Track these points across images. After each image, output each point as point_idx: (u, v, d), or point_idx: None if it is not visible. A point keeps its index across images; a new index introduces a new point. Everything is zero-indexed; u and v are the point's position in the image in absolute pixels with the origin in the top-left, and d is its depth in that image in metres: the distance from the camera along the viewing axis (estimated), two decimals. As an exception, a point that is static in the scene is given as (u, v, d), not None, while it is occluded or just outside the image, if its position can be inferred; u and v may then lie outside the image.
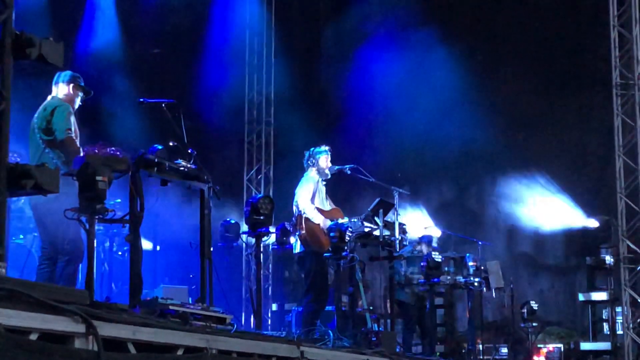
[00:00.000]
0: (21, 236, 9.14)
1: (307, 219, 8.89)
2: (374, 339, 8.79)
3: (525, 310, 12.98)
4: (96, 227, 5.89)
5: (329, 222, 8.74)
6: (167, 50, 16.06)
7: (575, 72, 16.14)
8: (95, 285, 6.03)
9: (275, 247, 13.02)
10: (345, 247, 8.55)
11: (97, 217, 5.75)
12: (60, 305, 4.07)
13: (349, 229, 8.60)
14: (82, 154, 6.02)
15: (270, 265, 15.56)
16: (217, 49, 15.97)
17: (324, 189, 9.26)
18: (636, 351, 12.74)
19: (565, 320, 15.69)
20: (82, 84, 7.17)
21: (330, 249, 8.59)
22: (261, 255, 8.09)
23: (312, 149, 9.34)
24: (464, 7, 16.57)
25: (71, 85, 7.08)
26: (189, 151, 6.75)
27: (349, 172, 9.38)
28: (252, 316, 9.12)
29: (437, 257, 10.45)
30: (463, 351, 12.61)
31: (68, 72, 7.09)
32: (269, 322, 13.16)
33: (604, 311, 14.35)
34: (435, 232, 12.49)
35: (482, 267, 11.77)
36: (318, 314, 8.89)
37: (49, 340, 3.96)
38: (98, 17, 14.85)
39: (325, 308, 9.25)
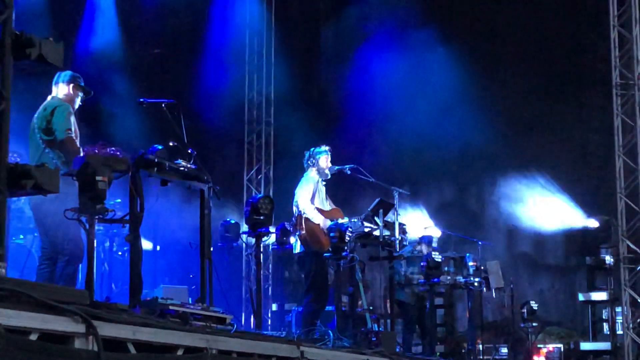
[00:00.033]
0: (21, 236, 9.14)
1: (307, 219, 8.89)
2: (374, 339, 8.79)
3: (525, 310, 12.98)
4: (96, 227, 5.89)
5: (329, 222, 8.74)
6: (167, 50, 16.07)
7: (575, 72, 16.14)
8: (95, 285, 6.04)
9: (275, 247, 13.03)
10: (345, 247, 8.55)
11: (97, 217, 5.76)
12: (60, 305, 4.07)
13: (349, 229, 8.60)
14: (82, 154, 6.02)
15: (270, 266, 15.56)
16: (217, 49, 15.97)
17: (324, 189, 9.26)
18: (636, 351, 12.74)
19: (565, 320, 15.69)
20: (82, 84, 7.17)
21: (330, 249, 8.59)
22: (261, 255, 8.10)
23: (312, 149, 9.34)
24: (464, 7, 16.56)
25: (71, 85, 7.08)
26: (189, 151, 6.75)
27: (349, 172, 9.38)
28: (252, 316, 9.12)
29: (437, 257, 10.46)
30: (463, 351, 12.61)
31: (68, 72, 7.09)
32: (269, 322, 13.15)
33: (604, 311, 14.35)
34: (435, 232, 12.48)
35: (482, 267, 11.78)
36: (318, 314, 8.89)
37: (49, 341, 3.95)
38: (98, 17, 14.86)
39: (325, 308, 9.25)
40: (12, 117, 4.50)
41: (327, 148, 9.35)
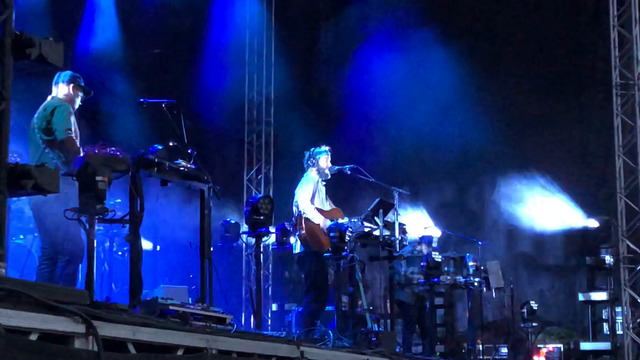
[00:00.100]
0: (21, 236, 9.14)
1: (307, 219, 8.89)
2: (374, 339, 8.79)
3: (525, 310, 12.98)
4: (96, 227, 5.89)
5: (329, 222, 8.74)
6: (167, 50, 16.07)
7: (575, 72, 16.14)
8: (95, 285, 6.04)
9: (275, 247, 13.03)
10: (345, 247, 8.55)
11: (97, 217, 5.76)
12: (60, 305, 4.06)
13: (349, 229, 8.60)
14: (82, 154, 6.02)
15: (270, 266, 15.56)
16: (217, 49, 15.97)
17: (323, 189, 9.26)
18: (636, 351, 12.74)
19: (565, 320, 15.69)
20: (82, 84, 7.17)
21: (330, 249, 8.59)
22: (261, 255, 8.10)
23: (312, 149, 9.34)
24: (464, 7, 16.57)
25: (71, 85, 7.08)
26: (189, 151, 6.75)
27: (349, 172, 9.38)
28: (252, 316, 9.12)
29: (437, 257, 10.46)
30: (463, 351, 12.61)
31: (68, 72, 7.09)
32: (269, 322, 13.15)
33: (603, 311, 14.35)
34: (435, 232, 12.48)
35: (482, 267, 11.78)
36: (318, 314, 8.88)
37: (49, 341, 3.95)
38: (98, 17, 14.86)
39: (325, 308, 9.25)
40: (12, 117, 4.51)
41: (327, 148, 9.35)
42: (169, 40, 15.98)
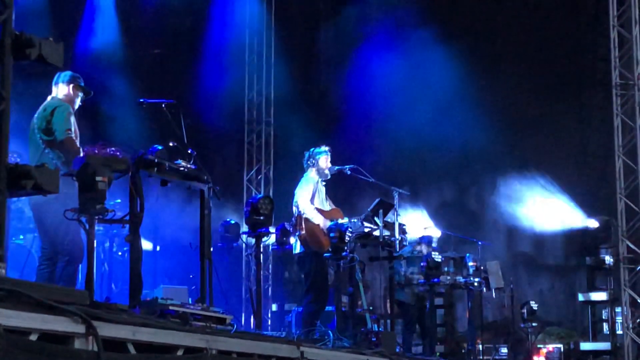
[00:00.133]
0: (21, 236, 9.14)
1: (306, 220, 8.89)
2: (374, 339, 8.79)
3: (525, 311, 12.98)
4: (96, 228, 5.89)
5: (328, 223, 8.74)
6: (167, 51, 16.07)
7: (575, 72, 16.14)
8: (95, 286, 6.04)
9: (275, 247, 13.03)
10: (345, 248, 8.54)
11: (97, 217, 5.75)
12: (60, 305, 4.06)
13: (349, 229, 8.60)
14: (82, 154, 6.02)
15: (270, 266, 15.56)
16: (217, 49, 15.97)
17: (323, 189, 9.26)
18: (636, 351, 12.74)
19: (565, 320, 15.68)
20: (82, 84, 7.17)
21: (330, 249, 8.59)
22: (261, 255, 8.09)
23: (311, 149, 9.34)
24: (464, 7, 16.56)
25: (71, 85, 7.08)
26: (189, 151, 6.75)
27: (348, 172, 9.38)
28: (252, 316, 9.12)
29: (437, 257, 10.46)
30: (463, 351, 12.61)
31: (68, 73, 7.10)
32: (269, 323, 13.15)
33: (603, 311, 14.35)
34: (435, 233, 12.48)
35: (482, 267, 11.78)
36: (318, 314, 8.88)
37: (48, 341, 3.95)
38: (98, 17, 14.87)
39: (325, 308, 9.25)
40: (12, 117, 4.51)
41: (327, 148, 9.34)
42: (169, 40, 15.98)
